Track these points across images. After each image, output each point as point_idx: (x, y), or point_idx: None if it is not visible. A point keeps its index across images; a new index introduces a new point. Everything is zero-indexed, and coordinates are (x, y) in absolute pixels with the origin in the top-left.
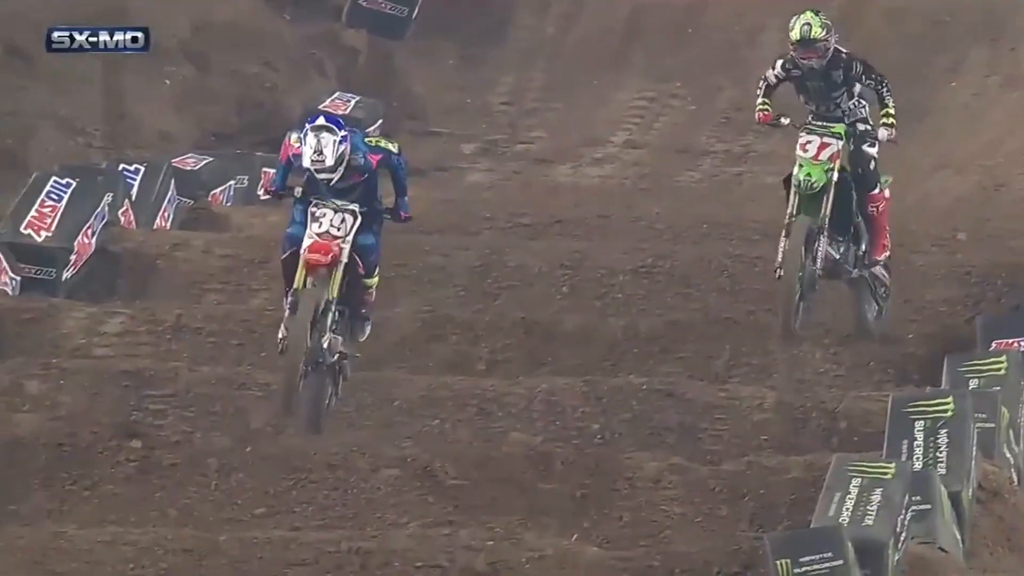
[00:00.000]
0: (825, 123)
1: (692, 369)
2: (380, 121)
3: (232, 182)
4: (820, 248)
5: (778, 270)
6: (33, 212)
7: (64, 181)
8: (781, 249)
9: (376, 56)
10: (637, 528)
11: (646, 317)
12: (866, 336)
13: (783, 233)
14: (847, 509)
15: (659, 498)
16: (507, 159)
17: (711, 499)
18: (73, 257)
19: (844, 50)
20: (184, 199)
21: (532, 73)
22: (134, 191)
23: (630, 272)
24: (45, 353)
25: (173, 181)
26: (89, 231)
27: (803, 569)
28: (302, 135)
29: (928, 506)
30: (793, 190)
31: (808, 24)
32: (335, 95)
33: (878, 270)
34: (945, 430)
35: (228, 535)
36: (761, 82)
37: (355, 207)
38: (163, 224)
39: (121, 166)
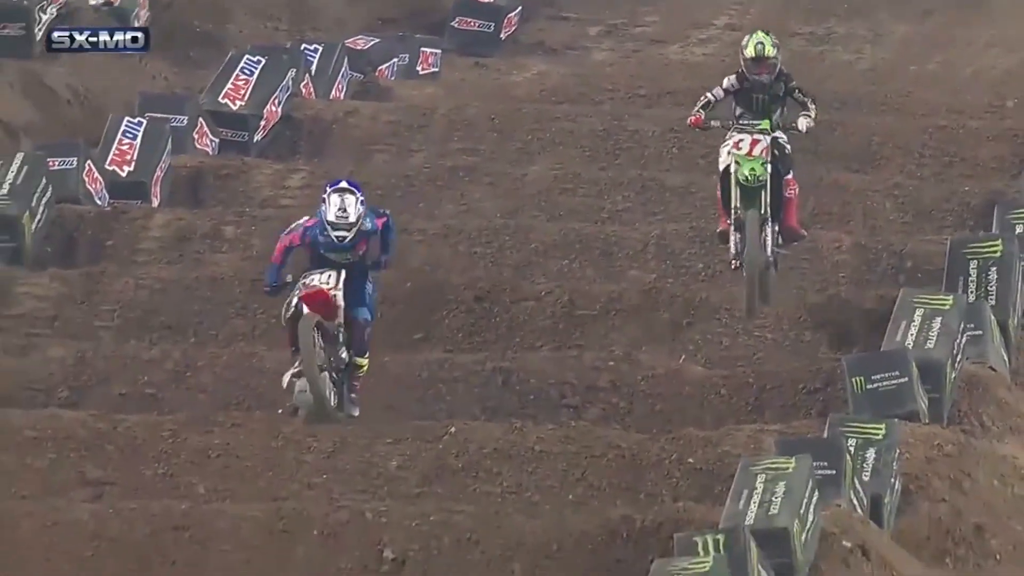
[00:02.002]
0: (752, 122)
1: None
2: (520, 8)
3: (395, 60)
4: (768, 237)
5: (733, 261)
6: (229, 85)
7: (255, 58)
8: (732, 242)
9: None
10: (734, 351)
11: None
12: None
13: (731, 228)
14: (912, 335)
15: (753, 325)
16: (626, 40)
17: (797, 327)
18: (262, 123)
19: (783, 67)
20: (355, 74)
21: None
22: (313, 67)
23: None
24: (239, 203)
25: (346, 59)
26: (276, 101)
27: (874, 385)
28: (325, 196)
29: (980, 332)
30: (735, 186)
31: (761, 43)
32: None
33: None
34: (995, 268)
35: (391, 357)
36: (703, 97)
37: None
38: (337, 95)
39: (303, 46)
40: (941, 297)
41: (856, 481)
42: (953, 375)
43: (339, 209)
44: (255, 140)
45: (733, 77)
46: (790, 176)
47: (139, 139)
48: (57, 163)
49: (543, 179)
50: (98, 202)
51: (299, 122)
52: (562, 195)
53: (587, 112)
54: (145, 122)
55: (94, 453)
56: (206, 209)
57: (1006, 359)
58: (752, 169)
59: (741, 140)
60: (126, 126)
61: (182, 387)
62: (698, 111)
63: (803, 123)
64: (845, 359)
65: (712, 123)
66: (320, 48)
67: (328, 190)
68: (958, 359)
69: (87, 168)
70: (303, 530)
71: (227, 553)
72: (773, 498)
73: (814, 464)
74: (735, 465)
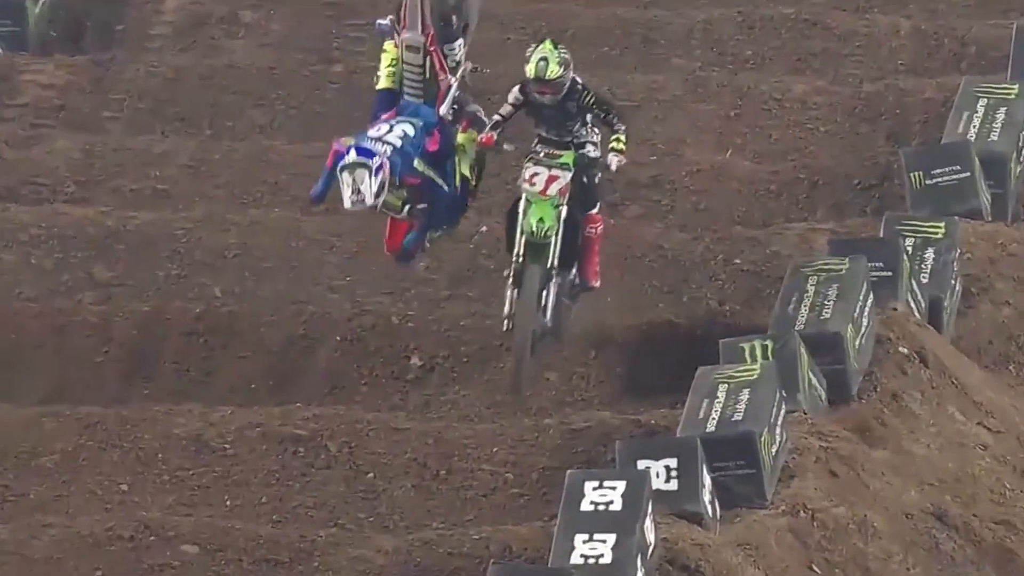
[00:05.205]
0: (553, 153)
1: (836, 1)
2: None
3: None
4: (551, 297)
5: (506, 321)
6: None
7: None
8: (508, 299)
9: None
10: (785, 144)
11: None
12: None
13: (509, 280)
14: (974, 127)
15: (805, 117)
16: None
17: (852, 118)
18: None
19: (580, 80)
20: None
21: None
22: None
23: None
24: None
25: None
26: None
27: (934, 181)
28: (339, 173)
29: None
30: (520, 236)
31: (544, 60)
32: None
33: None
34: None
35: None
36: (495, 116)
37: None
38: None
39: None
40: (1006, 86)
41: (914, 283)
42: (1018, 169)
43: (352, 191)
44: None
45: (517, 89)
46: (595, 211)
47: None
48: None
49: None
50: None
51: None
52: None
53: None
54: None
55: (103, 252)
56: None
57: None
58: (540, 220)
59: (536, 174)
60: None
61: (196, 183)
62: (489, 131)
63: (613, 160)
64: (903, 152)
65: (505, 147)
66: None
67: (340, 164)
68: (1023, 152)
69: None
70: (326, 335)
71: (247, 359)
72: (825, 301)
73: (869, 265)
74: (785, 266)
